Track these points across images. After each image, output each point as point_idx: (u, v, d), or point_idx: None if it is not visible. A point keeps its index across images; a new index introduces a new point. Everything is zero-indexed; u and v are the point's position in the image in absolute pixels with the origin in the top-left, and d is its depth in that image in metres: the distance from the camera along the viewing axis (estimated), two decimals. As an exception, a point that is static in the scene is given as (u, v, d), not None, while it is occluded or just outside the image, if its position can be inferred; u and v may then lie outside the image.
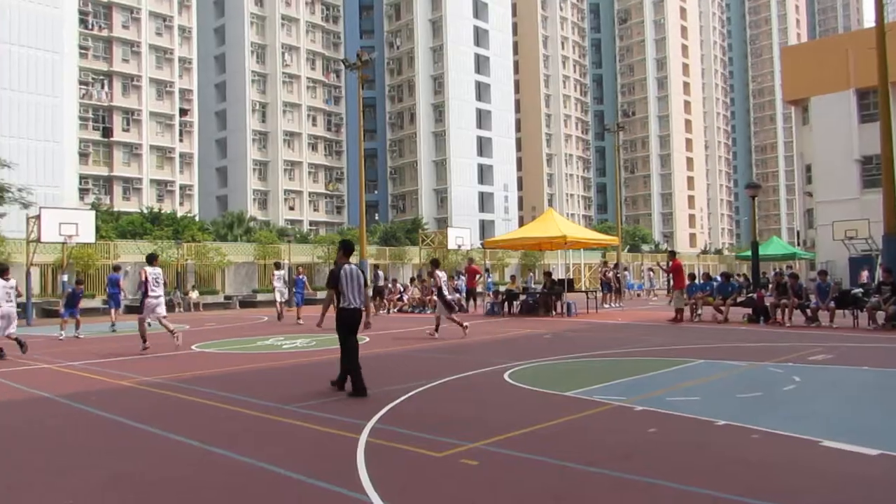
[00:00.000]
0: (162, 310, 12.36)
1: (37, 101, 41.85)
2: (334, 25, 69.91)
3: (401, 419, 6.57)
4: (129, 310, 25.12)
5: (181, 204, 57.31)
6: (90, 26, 51.52)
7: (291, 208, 67.08)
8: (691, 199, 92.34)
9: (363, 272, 8.23)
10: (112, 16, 52.73)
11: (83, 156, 51.26)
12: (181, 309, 29.84)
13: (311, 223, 67.52)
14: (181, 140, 57.91)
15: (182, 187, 58.26)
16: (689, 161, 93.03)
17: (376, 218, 69.45)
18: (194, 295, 31.88)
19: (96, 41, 51.88)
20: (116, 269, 20.65)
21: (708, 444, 5.51)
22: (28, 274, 24.12)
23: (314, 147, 67.81)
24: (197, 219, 50.52)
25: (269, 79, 66.30)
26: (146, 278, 11.96)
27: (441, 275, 14.01)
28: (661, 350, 10.74)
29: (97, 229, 26.74)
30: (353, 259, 28.05)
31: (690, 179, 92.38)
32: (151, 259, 11.61)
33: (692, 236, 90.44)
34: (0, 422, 6.97)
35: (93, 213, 25.61)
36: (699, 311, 16.30)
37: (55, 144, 42.86)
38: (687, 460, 5.16)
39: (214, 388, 8.61)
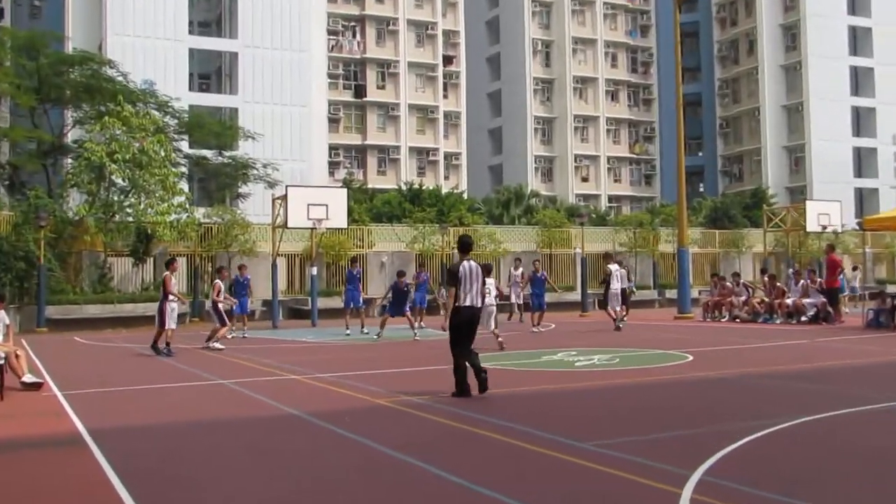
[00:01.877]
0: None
1: (281, 57, 48.58)
2: (638, -79, 69.01)
3: (738, 471, 6.38)
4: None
5: (446, 177, 62.30)
6: (339, -37, 58.70)
7: (584, 179, 68.44)
8: None
9: (482, 268, 10.01)
10: (363, -53, 59.51)
11: (332, 122, 58.75)
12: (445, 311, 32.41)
13: (610, 198, 68.30)
14: (445, 96, 63.21)
15: (447, 156, 63.56)
16: None
17: (700, 189, 68.54)
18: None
19: (346, -20, 59.10)
20: (353, 261, 23.45)
21: None
22: (274, 266, 28.11)
23: (614, 96, 68.87)
24: (465, 196, 54.32)
25: (553, 8, 68.32)
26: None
27: (612, 268, 14.43)
28: None
29: (349, 211, 29.81)
30: (665, 247, 27.50)
31: None
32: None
33: None
34: (246, 440, 8.14)
35: (344, 191, 29.31)
36: None
37: (302, 109, 49.52)
38: None
39: (489, 413, 9.01)
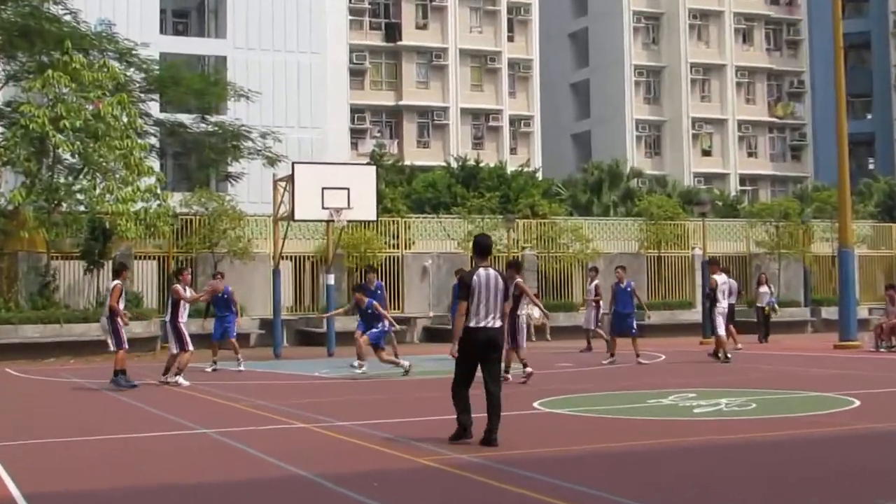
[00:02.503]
0: None
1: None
2: None
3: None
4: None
5: (513, 150, 62.36)
6: None
7: (706, 153, 68.02)
8: None
9: (513, 266, 10.92)
10: None
11: (356, 75, 59.34)
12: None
13: (742, 179, 67.86)
14: (510, 38, 63.17)
15: (514, 121, 63.77)
16: None
17: (870, 166, 67.96)
18: (536, 311, 34.32)
19: None
20: (368, 272, 23.82)
21: None
22: (276, 273, 28.21)
23: (746, 36, 68.78)
24: (539, 175, 54.34)
25: None
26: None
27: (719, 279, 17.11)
28: None
29: (379, 197, 29.80)
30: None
31: None
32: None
33: None
34: None
35: (372, 170, 29.37)
36: None
37: (314, 58, 50.10)
38: None
39: (577, 479, 8.94)
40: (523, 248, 36.38)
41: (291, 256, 32.77)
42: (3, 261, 28.63)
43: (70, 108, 27.69)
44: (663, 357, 24.35)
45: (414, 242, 35.29)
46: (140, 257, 31.96)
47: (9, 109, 32.61)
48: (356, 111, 58.24)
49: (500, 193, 42.07)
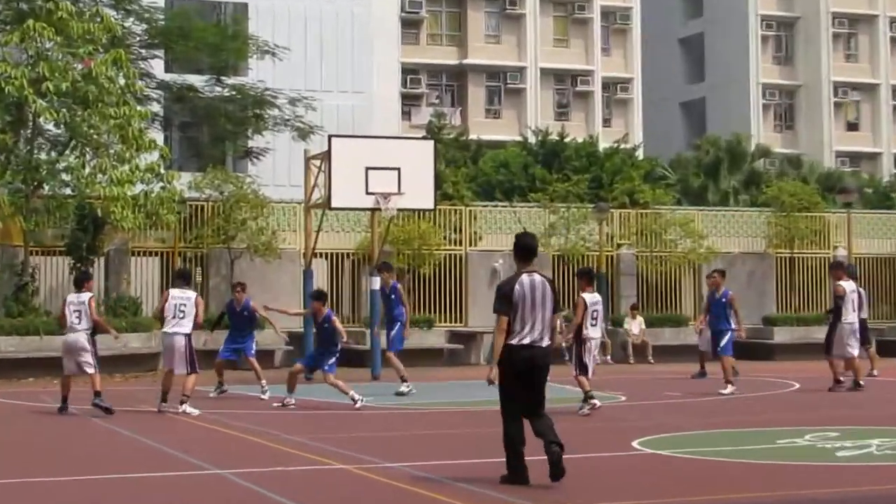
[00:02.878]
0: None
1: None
2: None
3: None
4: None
5: (606, 122, 62.27)
6: None
7: (852, 126, 67.40)
8: None
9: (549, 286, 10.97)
10: None
11: (409, 27, 59.49)
12: (609, 356, 32.87)
13: (904, 158, 66.97)
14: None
15: (607, 85, 63.73)
16: None
17: None
18: (635, 326, 34.42)
19: None
20: (382, 269, 24.09)
21: None
22: (307, 274, 28.37)
23: None
24: (640, 154, 53.92)
25: None
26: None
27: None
28: None
29: (438, 180, 29.45)
30: None
31: None
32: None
33: None
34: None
35: (430, 145, 29.47)
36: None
37: (355, 5, 50.12)
38: None
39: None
40: (619, 246, 36.22)
41: (327, 254, 32.82)
42: (-30, 255, 28.88)
43: (54, 66, 27.77)
44: (797, 385, 24.03)
45: (481, 237, 35.21)
46: (138, 253, 32.18)
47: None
48: (409, 72, 58.49)
49: (589, 176, 41.93)
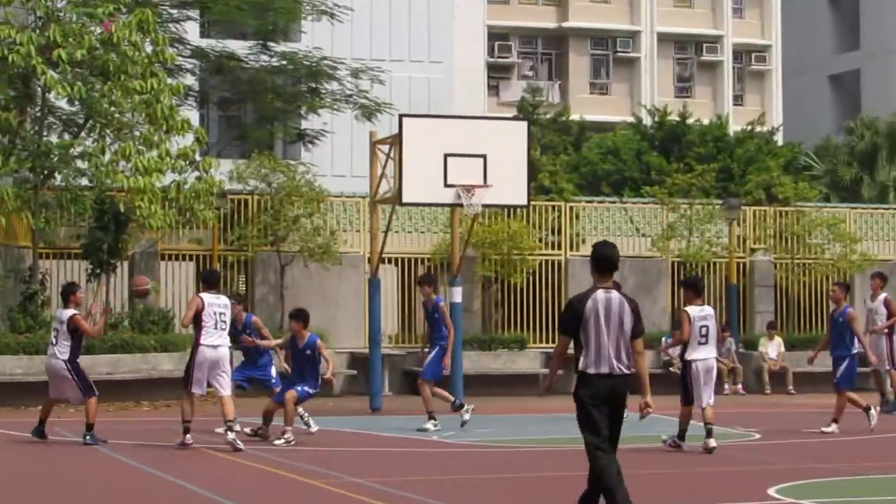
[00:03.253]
0: None
1: None
2: None
3: None
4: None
5: (737, 100, 61.66)
6: None
7: None
8: None
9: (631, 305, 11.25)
10: None
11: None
12: (741, 384, 32.92)
13: None
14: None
15: (739, 55, 63.50)
16: None
17: None
18: (773, 349, 34.01)
19: None
20: (426, 282, 23.83)
21: None
22: (374, 283, 28.13)
23: None
24: (779, 139, 53.64)
25: None
26: None
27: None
28: None
29: (532, 170, 29.33)
30: None
31: None
32: None
33: None
34: None
35: (523, 126, 29.27)
36: None
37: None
38: None
39: None
40: (752, 251, 36.08)
41: (397, 259, 32.95)
42: (-33, 258, 29.07)
43: (68, 30, 27.89)
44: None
45: (584, 240, 34.93)
46: (169, 256, 32.40)
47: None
48: (497, 37, 58.70)
49: (717, 166, 41.70)
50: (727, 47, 61.52)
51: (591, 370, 10.90)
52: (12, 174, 28.57)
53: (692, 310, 18.84)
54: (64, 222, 29.61)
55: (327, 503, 13.92)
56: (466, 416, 22.07)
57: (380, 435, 21.78)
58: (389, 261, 31.42)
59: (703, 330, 18.67)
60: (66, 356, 19.17)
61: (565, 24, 59.91)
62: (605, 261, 11.23)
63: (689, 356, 18.80)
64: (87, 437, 19.24)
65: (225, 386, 18.92)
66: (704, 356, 18.95)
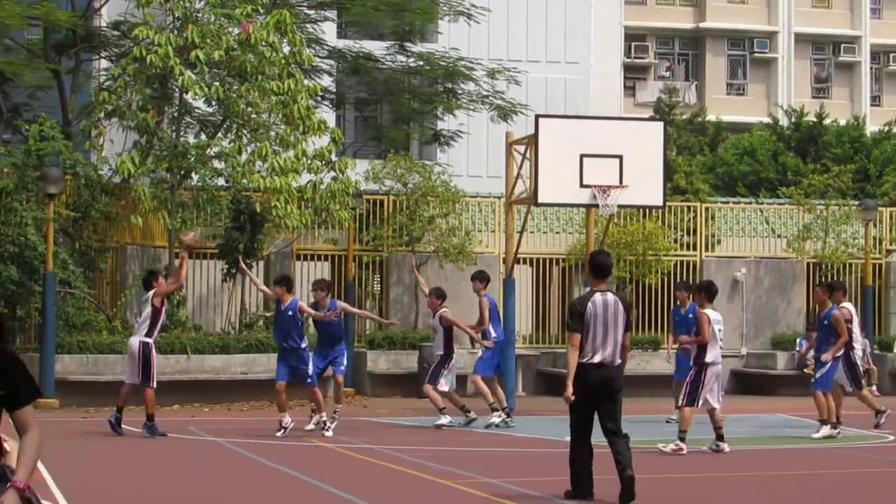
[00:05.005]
0: None
1: None
2: None
3: None
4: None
5: (875, 101, 61.08)
6: None
7: None
8: None
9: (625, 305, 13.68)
10: None
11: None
12: (876, 385, 32.22)
13: None
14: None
15: (877, 55, 62.51)
16: None
17: None
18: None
19: None
20: (479, 277, 24.57)
21: None
22: (509, 284, 28.04)
23: None
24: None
25: None
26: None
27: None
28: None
29: (669, 171, 28.97)
30: None
31: None
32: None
33: None
34: None
35: (659, 126, 28.98)
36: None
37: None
38: None
39: None
40: (888, 252, 35.60)
41: (532, 259, 32.79)
42: (104, 259, 29.05)
43: (205, 31, 27.95)
44: None
45: (720, 241, 34.93)
46: (305, 257, 32.45)
47: (116, 34, 33.32)
48: (634, 38, 58.47)
49: (854, 166, 41.33)
50: (865, 47, 60.72)
51: (587, 360, 13.24)
52: (149, 174, 28.72)
53: (710, 313, 19.22)
54: (200, 222, 29.63)
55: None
56: (495, 420, 22.70)
57: (513, 435, 21.69)
58: (524, 261, 31.15)
59: (719, 333, 19.13)
60: (146, 337, 20.33)
61: (702, 25, 59.48)
62: (600, 267, 13.80)
63: (708, 359, 19.02)
64: (147, 426, 20.34)
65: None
66: (719, 359, 19.36)
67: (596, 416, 13.46)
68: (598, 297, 13.35)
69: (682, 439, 18.84)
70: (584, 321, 13.18)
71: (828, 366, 22.19)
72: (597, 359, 13.17)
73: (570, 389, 13.10)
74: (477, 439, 21.40)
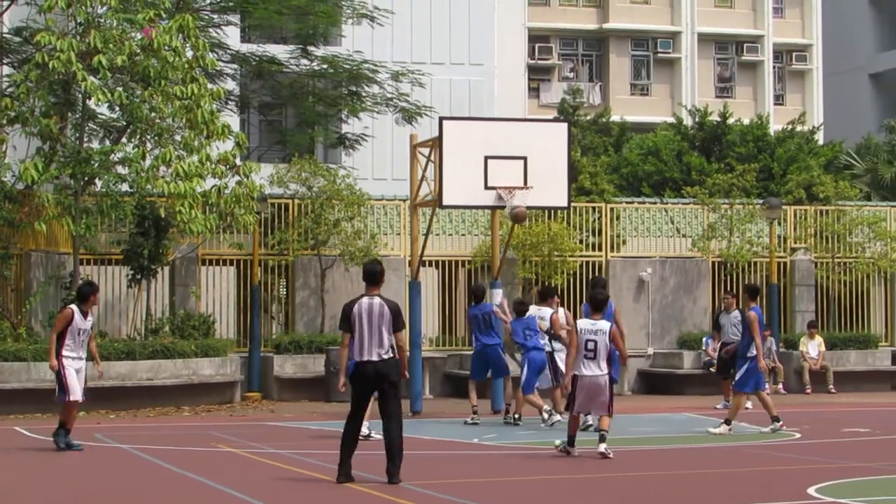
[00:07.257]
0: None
1: None
2: None
3: None
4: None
5: (778, 99, 61.31)
6: None
7: None
8: None
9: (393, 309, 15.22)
10: None
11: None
12: (782, 383, 33.03)
13: None
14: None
15: (780, 55, 63.02)
16: None
17: None
18: (813, 348, 33.94)
19: None
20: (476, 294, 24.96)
21: None
22: (414, 286, 28.23)
23: None
24: (819, 139, 52.98)
25: None
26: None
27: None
28: None
29: (573, 171, 29.19)
30: None
31: None
32: None
33: None
34: None
35: (563, 128, 29.25)
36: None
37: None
38: None
39: None
40: (793, 251, 36.00)
41: (438, 261, 32.86)
42: (8, 266, 28.92)
43: (108, 36, 27.84)
44: None
45: (625, 241, 35.09)
46: (210, 262, 32.33)
47: (18, 40, 33.16)
48: (537, 39, 58.55)
49: (758, 165, 41.71)
50: (768, 47, 61.26)
51: (357, 358, 15.14)
52: (53, 180, 28.54)
53: (582, 323, 18.93)
54: (104, 228, 29.66)
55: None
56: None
57: (420, 438, 21.54)
58: (430, 263, 31.35)
59: (590, 344, 18.44)
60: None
61: (605, 26, 59.72)
62: (369, 274, 15.62)
63: (577, 371, 18.49)
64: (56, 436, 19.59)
65: None
66: (592, 372, 18.59)
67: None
68: (364, 300, 15.22)
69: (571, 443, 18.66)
70: (350, 322, 15.13)
71: (746, 365, 22.37)
72: (365, 356, 15.03)
73: (341, 381, 15.59)
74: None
